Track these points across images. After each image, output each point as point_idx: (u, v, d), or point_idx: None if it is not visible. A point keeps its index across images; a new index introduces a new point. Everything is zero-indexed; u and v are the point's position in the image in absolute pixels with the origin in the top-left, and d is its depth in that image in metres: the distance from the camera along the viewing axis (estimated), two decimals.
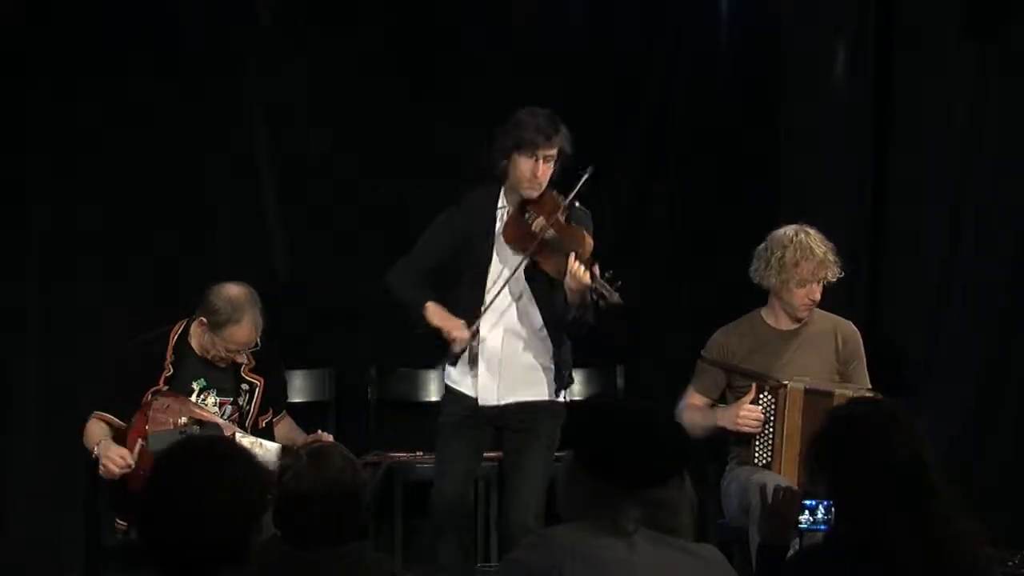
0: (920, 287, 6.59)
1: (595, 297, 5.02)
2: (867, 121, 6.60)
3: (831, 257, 5.37)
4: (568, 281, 5.02)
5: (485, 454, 5.49)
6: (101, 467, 5.04)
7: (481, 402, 5.26)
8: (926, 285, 6.58)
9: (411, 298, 5.27)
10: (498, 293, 5.18)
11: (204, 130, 6.47)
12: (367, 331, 6.61)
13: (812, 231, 5.40)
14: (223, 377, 5.22)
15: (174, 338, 5.20)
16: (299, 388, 6.49)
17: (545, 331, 5.25)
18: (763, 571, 3.70)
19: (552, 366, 5.27)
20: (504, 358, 5.24)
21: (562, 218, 5.14)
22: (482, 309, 5.19)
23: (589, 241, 5.09)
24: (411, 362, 6.52)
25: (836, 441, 3.19)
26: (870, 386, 5.40)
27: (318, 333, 6.57)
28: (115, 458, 5.01)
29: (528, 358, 5.25)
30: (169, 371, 5.17)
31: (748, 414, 5.31)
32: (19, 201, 6.39)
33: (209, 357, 5.16)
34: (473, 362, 5.25)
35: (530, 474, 5.21)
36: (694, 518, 3.09)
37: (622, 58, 6.80)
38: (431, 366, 5.92)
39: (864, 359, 5.49)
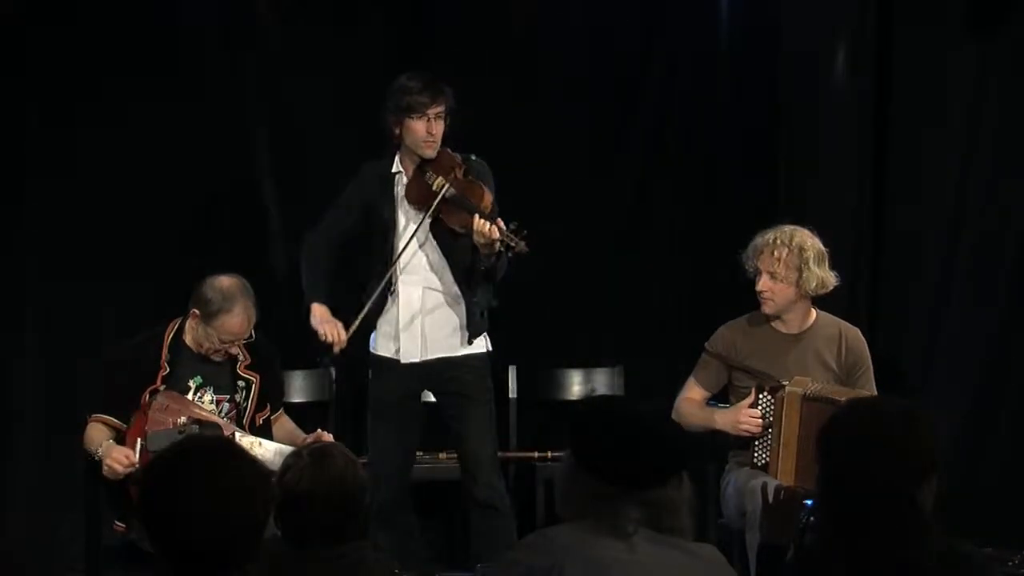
0: (920, 287, 6.59)
1: (503, 248, 5.20)
2: (867, 121, 6.60)
3: (781, 254, 5.25)
4: (476, 237, 5.22)
5: None
6: (105, 467, 5.01)
7: (404, 360, 5.42)
8: (926, 285, 6.58)
9: (308, 287, 5.50)
10: (403, 250, 5.34)
11: (204, 131, 6.46)
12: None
13: (791, 228, 5.30)
14: (219, 374, 5.20)
15: (169, 337, 5.19)
16: (299, 388, 6.48)
17: (457, 286, 5.42)
18: (763, 571, 3.69)
19: (467, 317, 5.42)
20: (423, 314, 5.42)
21: (460, 174, 5.34)
22: (390, 268, 5.36)
23: (488, 196, 5.30)
24: None
25: (844, 438, 3.17)
26: (876, 392, 5.33)
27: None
28: (120, 458, 4.99)
29: (446, 313, 5.44)
30: (165, 370, 5.15)
31: (748, 419, 5.26)
32: (19, 201, 6.39)
33: (204, 351, 5.14)
34: (392, 327, 5.44)
35: (479, 441, 5.41)
36: (694, 518, 3.09)
37: (622, 58, 6.80)
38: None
39: (870, 366, 5.39)
